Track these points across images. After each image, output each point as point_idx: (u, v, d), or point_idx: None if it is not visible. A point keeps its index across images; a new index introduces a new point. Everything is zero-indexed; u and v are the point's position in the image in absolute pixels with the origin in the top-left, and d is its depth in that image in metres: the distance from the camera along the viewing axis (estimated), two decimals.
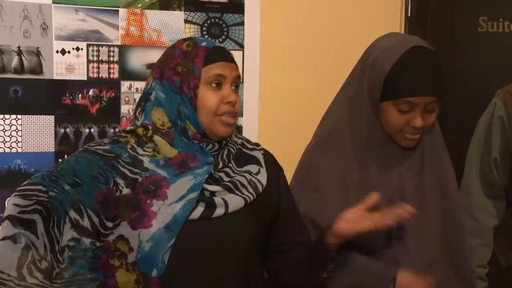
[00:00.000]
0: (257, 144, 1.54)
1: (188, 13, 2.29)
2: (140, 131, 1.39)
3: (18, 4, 2.11)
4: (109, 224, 1.32)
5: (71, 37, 2.17)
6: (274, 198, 1.49)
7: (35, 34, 2.13)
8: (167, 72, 1.38)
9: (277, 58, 2.38)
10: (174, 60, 1.38)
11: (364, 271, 1.50)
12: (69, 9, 2.17)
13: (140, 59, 2.25)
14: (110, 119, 2.24)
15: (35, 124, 2.16)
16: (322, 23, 2.43)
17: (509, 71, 2.37)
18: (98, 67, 2.21)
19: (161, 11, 2.26)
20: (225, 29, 2.34)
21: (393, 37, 1.61)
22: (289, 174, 1.62)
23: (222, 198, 1.37)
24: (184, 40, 1.42)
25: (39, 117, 2.16)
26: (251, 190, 1.41)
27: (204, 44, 1.39)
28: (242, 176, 1.42)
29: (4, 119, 2.12)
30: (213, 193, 1.37)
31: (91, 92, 2.21)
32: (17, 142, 2.14)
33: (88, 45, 2.20)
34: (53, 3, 2.14)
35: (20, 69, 2.13)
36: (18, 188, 1.29)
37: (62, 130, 2.19)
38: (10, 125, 2.13)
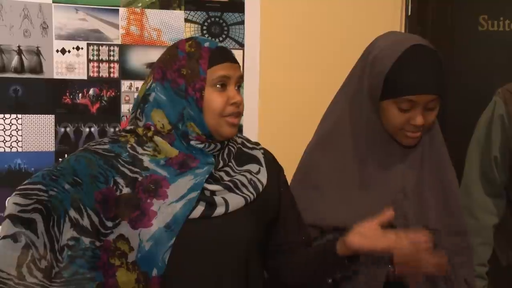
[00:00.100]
0: (257, 143, 1.54)
1: (188, 12, 2.29)
2: (140, 130, 1.39)
3: (18, 3, 2.11)
4: (109, 224, 1.32)
5: (71, 37, 2.17)
6: (275, 198, 1.49)
7: (35, 34, 2.13)
8: (170, 74, 1.37)
9: (277, 57, 2.39)
10: (178, 61, 1.37)
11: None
12: (69, 8, 2.17)
13: (140, 58, 2.25)
14: (110, 118, 2.24)
15: (35, 124, 2.16)
16: (322, 22, 2.44)
17: (509, 70, 2.37)
18: (98, 67, 2.22)
19: (161, 10, 2.26)
20: (225, 28, 2.34)
21: (393, 35, 1.61)
22: (289, 173, 1.62)
23: (223, 198, 1.37)
24: (186, 40, 1.41)
25: (39, 116, 2.16)
26: (251, 190, 1.41)
27: (207, 44, 1.38)
28: (243, 175, 1.42)
29: (4, 118, 2.12)
30: (213, 193, 1.37)
31: (91, 92, 2.21)
32: (17, 141, 2.14)
33: (88, 45, 2.20)
34: (53, 2, 2.14)
35: (20, 69, 2.13)
36: (19, 187, 1.29)
37: (62, 130, 2.19)
38: (10, 124, 2.13)
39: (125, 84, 2.25)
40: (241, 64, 2.25)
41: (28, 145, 2.15)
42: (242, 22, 2.35)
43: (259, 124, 2.37)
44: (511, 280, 2.06)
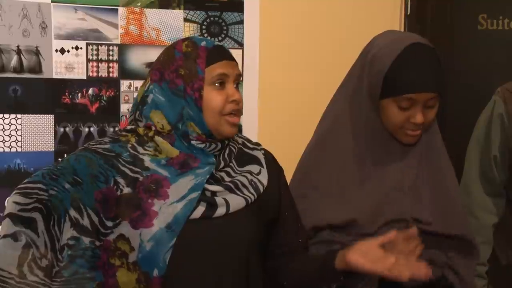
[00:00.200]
0: (258, 144, 1.54)
1: (187, 11, 2.29)
2: (141, 130, 1.39)
3: (17, 3, 2.11)
4: (109, 224, 1.32)
5: (70, 36, 2.17)
6: (275, 199, 1.49)
7: (34, 33, 2.13)
8: (168, 75, 1.37)
9: (276, 57, 2.39)
10: (175, 62, 1.37)
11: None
12: (68, 8, 2.17)
13: (139, 58, 2.25)
14: (109, 118, 2.24)
15: (35, 124, 2.16)
16: (321, 21, 2.44)
17: (508, 69, 2.37)
18: (98, 66, 2.21)
19: (161, 9, 2.26)
20: (225, 27, 2.34)
21: (392, 34, 1.61)
22: (289, 173, 1.62)
23: (223, 198, 1.37)
24: (183, 40, 1.41)
25: (39, 116, 2.16)
26: (252, 190, 1.41)
27: (203, 43, 1.38)
28: (243, 176, 1.42)
29: (3, 118, 2.12)
30: (214, 193, 1.37)
31: (90, 91, 2.21)
32: (16, 141, 2.14)
33: (87, 44, 2.20)
34: (52, 2, 2.14)
35: (20, 68, 2.13)
36: (19, 186, 1.29)
37: (62, 129, 2.19)
38: (10, 124, 2.13)
39: (124, 84, 2.25)
40: (240, 63, 2.26)
41: (27, 145, 2.15)
42: (241, 22, 2.35)
43: (258, 124, 2.37)
44: (510, 279, 2.05)
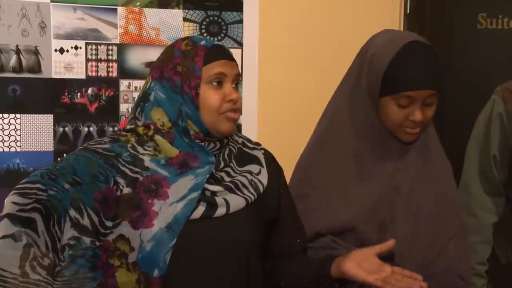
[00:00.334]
0: (258, 144, 1.54)
1: (186, 11, 2.29)
2: (140, 130, 1.39)
3: (16, 2, 2.11)
4: (109, 224, 1.32)
5: (69, 36, 2.17)
6: (275, 199, 1.49)
7: (34, 33, 2.13)
8: (166, 72, 1.37)
9: (276, 56, 2.39)
10: (174, 60, 1.37)
11: None
12: (67, 7, 2.16)
13: (139, 57, 2.25)
14: (109, 117, 2.24)
15: (34, 123, 2.16)
16: (321, 21, 2.43)
17: (508, 68, 2.37)
18: (97, 66, 2.21)
19: (160, 9, 2.26)
20: (224, 27, 2.34)
21: (389, 33, 1.62)
22: (288, 172, 1.62)
23: (224, 198, 1.37)
24: (183, 39, 1.41)
25: (38, 116, 2.16)
26: (252, 190, 1.41)
27: (203, 43, 1.38)
28: (243, 176, 1.42)
29: (2, 118, 2.12)
30: (214, 193, 1.37)
31: (89, 91, 2.21)
32: (16, 141, 2.14)
33: (86, 44, 2.19)
34: (51, 1, 2.14)
35: (19, 68, 2.13)
36: (17, 186, 1.28)
37: (61, 129, 2.19)
38: (9, 124, 2.13)
39: (123, 84, 2.25)
40: (239, 63, 2.26)
41: (26, 145, 2.15)
42: (240, 21, 2.35)
43: (258, 123, 2.37)
44: (510, 278, 2.06)
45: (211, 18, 2.32)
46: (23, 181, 1.30)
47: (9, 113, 2.13)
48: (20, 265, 1.22)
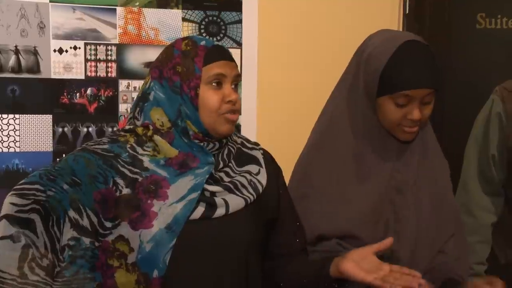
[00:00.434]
0: (257, 144, 1.54)
1: (185, 11, 2.29)
2: (139, 130, 1.38)
3: (15, 3, 2.11)
4: (108, 224, 1.31)
5: (68, 36, 2.17)
6: (274, 199, 1.49)
7: (33, 33, 2.13)
8: (166, 72, 1.37)
9: (275, 56, 2.38)
10: (173, 59, 1.37)
11: None
12: (66, 7, 2.16)
13: (138, 57, 2.25)
14: (108, 118, 2.24)
15: (33, 124, 2.16)
16: (320, 21, 2.43)
17: (507, 68, 2.37)
18: (96, 66, 2.21)
19: (159, 9, 2.26)
20: (223, 27, 2.34)
21: (386, 33, 1.62)
22: (287, 173, 1.62)
23: (223, 199, 1.37)
24: (183, 39, 1.41)
25: (37, 116, 2.16)
26: (251, 191, 1.41)
27: (203, 43, 1.38)
28: (242, 176, 1.42)
29: (1, 118, 2.12)
30: (213, 194, 1.37)
31: (89, 91, 2.21)
32: (15, 141, 2.14)
33: (85, 44, 2.19)
34: (50, 2, 2.14)
35: (18, 69, 2.13)
36: (15, 187, 1.28)
37: (60, 129, 2.19)
38: (8, 124, 2.13)
39: (122, 84, 2.25)
40: (238, 63, 2.26)
41: (25, 145, 2.15)
42: (239, 21, 2.35)
43: (257, 124, 2.37)
44: (509, 278, 2.05)
45: (210, 18, 2.32)
46: (21, 181, 1.29)
47: (8, 113, 2.13)
48: (18, 266, 1.22)
